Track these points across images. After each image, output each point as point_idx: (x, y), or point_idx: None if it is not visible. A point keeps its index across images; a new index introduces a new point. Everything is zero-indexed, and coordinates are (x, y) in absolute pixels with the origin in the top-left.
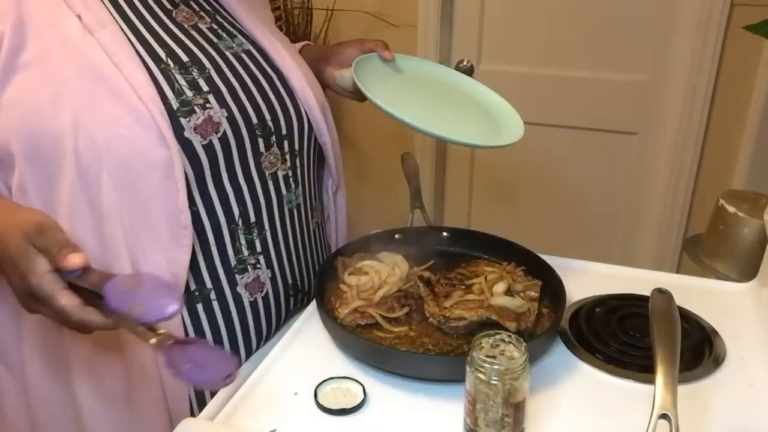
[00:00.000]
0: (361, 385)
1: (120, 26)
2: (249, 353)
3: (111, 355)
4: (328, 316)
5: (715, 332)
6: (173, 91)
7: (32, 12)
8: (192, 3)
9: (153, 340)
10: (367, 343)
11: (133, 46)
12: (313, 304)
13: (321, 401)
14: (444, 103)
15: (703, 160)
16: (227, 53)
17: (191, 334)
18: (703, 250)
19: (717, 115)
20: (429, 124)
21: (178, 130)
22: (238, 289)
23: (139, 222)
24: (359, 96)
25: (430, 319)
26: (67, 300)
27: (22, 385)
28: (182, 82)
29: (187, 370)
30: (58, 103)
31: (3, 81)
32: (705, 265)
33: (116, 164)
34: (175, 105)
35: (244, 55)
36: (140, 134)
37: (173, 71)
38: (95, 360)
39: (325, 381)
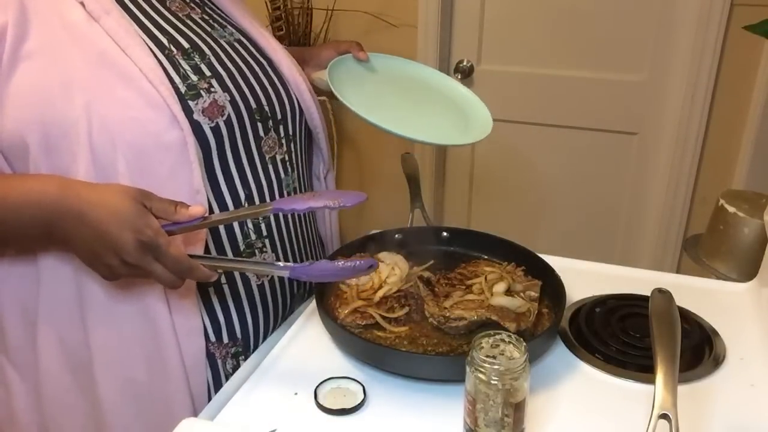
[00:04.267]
0: (361, 385)
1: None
2: (259, 338)
3: (134, 344)
4: (328, 316)
5: (715, 332)
6: (179, 76)
7: (34, 1)
8: None
9: (279, 269)
10: (367, 343)
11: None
12: (313, 304)
13: (321, 401)
14: (417, 100)
15: (703, 160)
16: (221, 41)
17: (205, 318)
18: (703, 250)
19: (717, 115)
20: (398, 126)
21: (187, 112)
22: (247, 273)
23: None
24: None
25: (430, 319)
26: (176, 249)
27: (34, 384)
28: (186, 67)
29: (323, 276)
30: (69, 90)
31: (10, 70)
32: (705, 265)
33: (130, 147)
34: (182, 89)
35: (236, 44)
36: (152, 117)
37: (177, 57)
38: (118, 349)
39: (325, 381)
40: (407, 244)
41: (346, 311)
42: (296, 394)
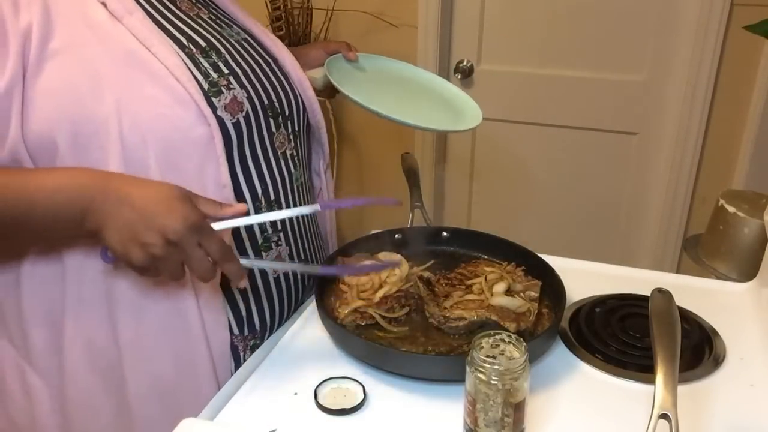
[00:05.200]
0: (361, 385)
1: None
2: (274, 329)
3: (164, 340)
4: (328, 316)
5: (715, 332)
6: (201, 73)
7: (56, 1)
8: None
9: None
10: (367, 343)
11: None
12: (314, 304)
13: (321, 401)
14: (409, 94)
15: (703, 160)
16: (231, 40)
17: (227, 311)
18: (703, 250)
19: (717, 115)
20: (397, 112)
21: (212, 109)
22: (287, 270)
23: None
24: (328, 94)
25: (430, 319)
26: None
27: (58, 388)
28: (206, 64)
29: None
30: (98, 88)
31: (37, 70)
32: (705, 265)
33: (160, 144)
34: (205, 86)
35: (244, 43)
36: (180, 113)
37: (197, 55)
38: (147, 345)
39: (325, 381)
40: (407, 244)
41: (346, 311)
42: (296, 394)
